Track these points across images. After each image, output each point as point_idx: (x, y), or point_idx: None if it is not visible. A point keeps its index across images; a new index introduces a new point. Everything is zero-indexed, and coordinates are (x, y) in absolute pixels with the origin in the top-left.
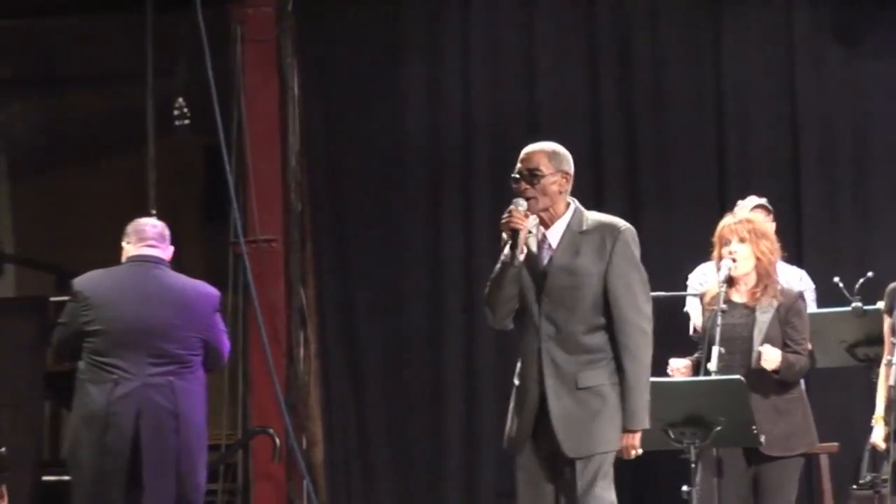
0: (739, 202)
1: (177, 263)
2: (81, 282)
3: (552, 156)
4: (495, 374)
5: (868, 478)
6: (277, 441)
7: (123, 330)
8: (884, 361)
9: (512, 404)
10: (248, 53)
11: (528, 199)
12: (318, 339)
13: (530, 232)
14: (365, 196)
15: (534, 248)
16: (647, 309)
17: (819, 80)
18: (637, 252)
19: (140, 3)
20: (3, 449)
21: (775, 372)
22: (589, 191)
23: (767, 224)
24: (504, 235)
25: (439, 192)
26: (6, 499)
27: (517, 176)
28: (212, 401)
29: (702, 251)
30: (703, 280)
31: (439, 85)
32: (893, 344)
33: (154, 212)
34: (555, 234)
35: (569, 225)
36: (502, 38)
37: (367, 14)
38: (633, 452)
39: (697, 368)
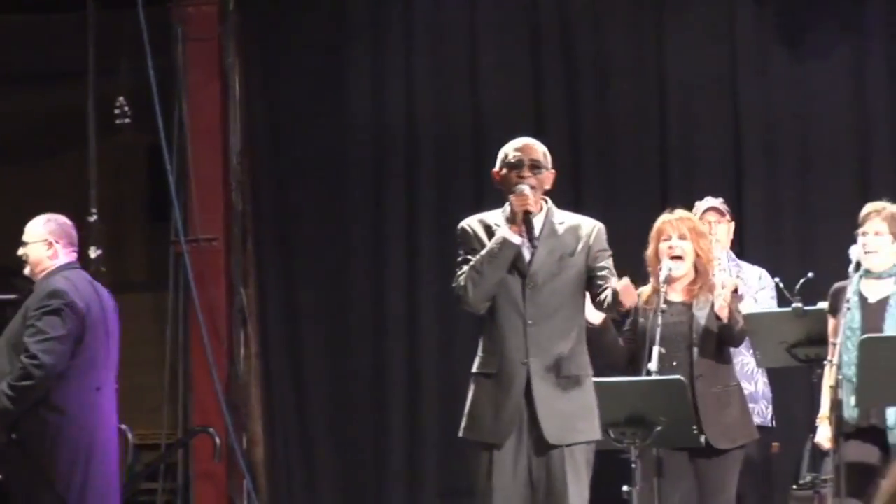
0: (697, 203)
1: (119, 263)
2: (69, 288)
3: (545, 154)
4: (438, 374)
5: (808, 478)
6: (218, 440)
7: (101, 340)
8: (826, 362)
9: (482, 394)
10: (189, 53)
11: (530, 187)
12: (258, 339)
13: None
14: (307, 195)
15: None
16: None
17: (762, 80)
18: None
19: (82, 2)
20: None
21: (725, 320)
22: None
23: (724, 225)
24: (465, 230)
25: (382, 190)
26: None
27: (516, 164)
28: (152, 400)
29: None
30: None
31: (383, 84)
32: (835, 345)
33: (95, 211)
34: (536, 225)
35: (547, 217)
36: (445, 36)
37: (310, 13)
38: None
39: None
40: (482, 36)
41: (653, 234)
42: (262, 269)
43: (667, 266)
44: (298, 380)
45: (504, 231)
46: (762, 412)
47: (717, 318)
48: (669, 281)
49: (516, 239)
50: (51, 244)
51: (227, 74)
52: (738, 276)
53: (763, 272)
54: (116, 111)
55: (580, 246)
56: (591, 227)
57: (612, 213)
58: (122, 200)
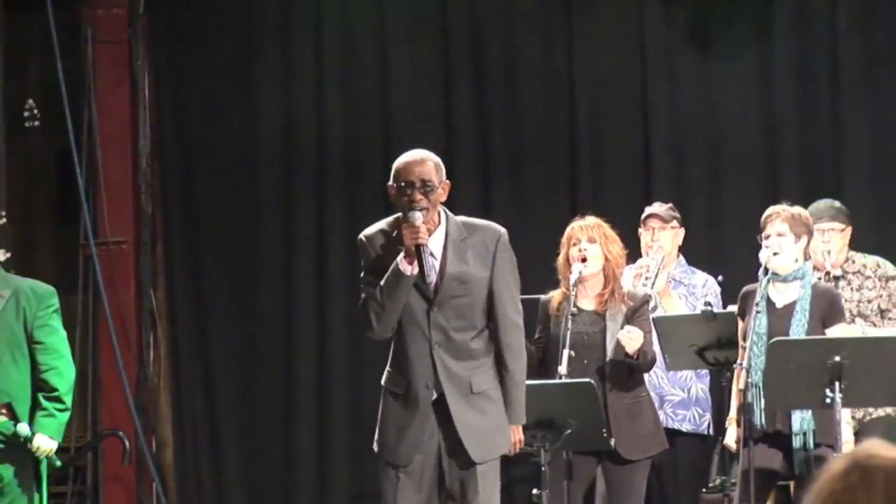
0: (647, 209)
1: (28, 266)
2: None
3: (438, 166)
4: (348, 376)
5: (717, 481)
6: (127, 443)
7: None
8: (736, 364)
9: (389, 413)
10: (99, 55)
11: (421, 210)
12: (168, 341)
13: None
14: (216, 198)
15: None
16: (520, 307)
17: (671, 83)
18: (513, 254)
19: None
20: None
21: (634, 357)
22: None
23: (668, 231)
24: (363, 242)
25: (292, 192)
26: None
27: (405, 186)
28: None
29: (554, 254)
30: None
31: (292, 86)
32: (744, 348)
33: (3, 213)
34: (435, 243)
35: (448, 233)
36: (355, 38)
37: (220, 16)
38: (518, 447)
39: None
40: (392, 37)
41: (563, 240)
42: (172, 271)
43: (577, 269)
44: (207, 382)
45: (399, 263)
46: (694, 419)
47: (627, 355)
48: (580, 282)
49: (410, 270)
50: None
51: (136, 77)
52: (681, 282)
53: (709, 279)
54: (25, 113)
55: (484, 262)
56: (494, 239)
57: (521, 215)
58: (30, 203)
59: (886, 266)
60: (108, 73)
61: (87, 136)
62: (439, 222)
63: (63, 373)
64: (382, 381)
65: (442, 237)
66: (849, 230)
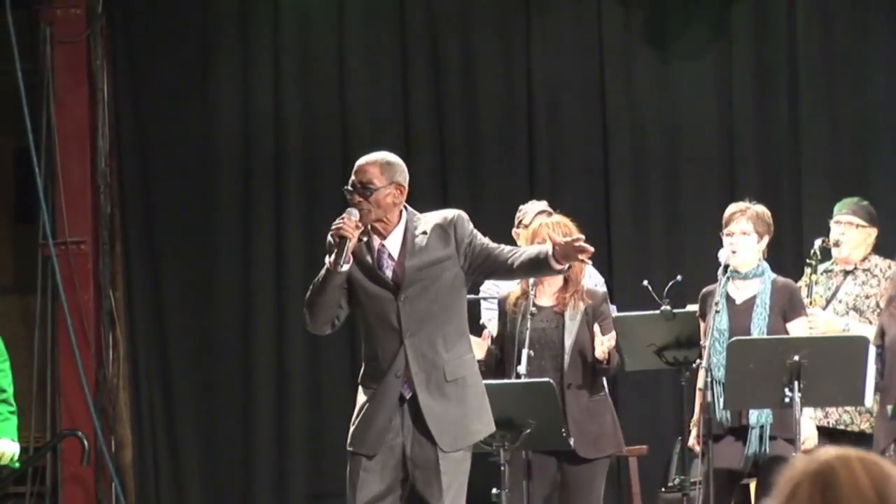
0: (521, 207)
1: None
2: None
3: (385, 167)
4: (306, 377)
5: (676, 480)
6: (86, 443)
7: None
8: (696, 363)
9: (362, 405)
10: (57, 55)
11: (360, 211)
12: (127, 342)
13: (360, 239)
14: (175, 198)
15: (368, 259)
16: None
17: (629, 83)
18: (473, 226)
19: None
20: None
21: (606, 362)
22: None
23: None
24: (330, 241)
25: (250, 193)
26: None
27: (350, 188)
28: (20, 403)
29: None
30: (496, 288)
31: (251, 86)
32: (705, 347)
33: None
34: (393, 243)
35: (406, 229)
36: (313, 38)
37: (178, 16)
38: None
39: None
40: (350, 36)
41: (528, 235)
42: (131, 271)
43: None
44: (166, 383)
45: (326, 259)
46: None
47: (598, 360)
48: (538, 282)
49: (339, 267)
50: None
51: (95, 77)
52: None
53: (591, 269)
54: None
55: (447, 246)
56: (450, 222)
57: (479, 215)
58: None
59: None
60: (67, 73)
61: (46, 136)
62: (398, 222)
63: (8, 374)
64: (359, 379)
65: (401, 234)
66: (871, 230)
